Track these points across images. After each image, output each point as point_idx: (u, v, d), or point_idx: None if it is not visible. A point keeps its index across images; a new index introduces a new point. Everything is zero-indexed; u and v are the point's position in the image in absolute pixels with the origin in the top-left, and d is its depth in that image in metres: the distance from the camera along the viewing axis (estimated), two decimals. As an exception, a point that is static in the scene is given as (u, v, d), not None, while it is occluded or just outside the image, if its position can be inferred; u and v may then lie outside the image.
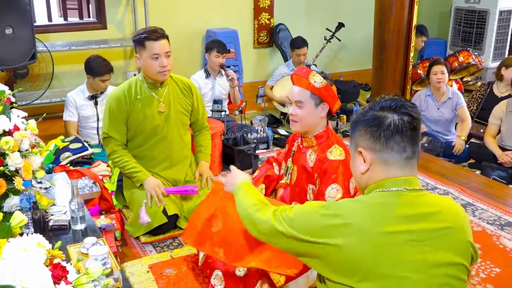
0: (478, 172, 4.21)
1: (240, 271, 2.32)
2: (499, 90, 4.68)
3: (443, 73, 4.41)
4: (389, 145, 1.38)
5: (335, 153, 2.37)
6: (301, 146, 2.55)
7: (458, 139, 4.38)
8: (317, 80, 2.37)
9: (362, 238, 1.31)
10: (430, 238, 1.34)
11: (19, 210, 2.02)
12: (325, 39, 5.71)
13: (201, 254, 2.58)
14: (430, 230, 1.35)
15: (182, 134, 3.15)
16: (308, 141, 2.49)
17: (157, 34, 2.88)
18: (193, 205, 3.00)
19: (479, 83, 5.05)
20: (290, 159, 2.63)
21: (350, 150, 1.52)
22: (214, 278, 2.42)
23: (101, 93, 4.02)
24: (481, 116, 4.75)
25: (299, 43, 5.39)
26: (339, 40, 5.90)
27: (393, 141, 1.38)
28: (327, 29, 5.76)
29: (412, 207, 1.36)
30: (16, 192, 2.08)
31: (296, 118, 2.42)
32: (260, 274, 2.26)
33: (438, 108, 4.52)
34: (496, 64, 4.82)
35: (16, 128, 2.12)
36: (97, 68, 3.99)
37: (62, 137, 3.94)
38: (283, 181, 2.68)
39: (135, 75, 5.27)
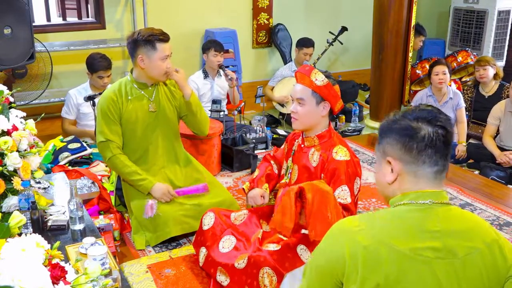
0: (477, 172, 4.21)
1: (240, 264, 2.33)
2: (484, 90, 4.70)
3: (445, 74, 4.42)
4: (421, 158, 1.33)
5: (341, 154, 2.37)
6: (302, 145, 2.55)
7: (460, 145, 4.39)
8: (319, 78, 2.38)
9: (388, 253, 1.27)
10: (453, 257, 1.28)
11: (17, 210, 2.02)
12: (328, 42, 5.72)
13: (201, 254, 2.58)
14: (454, 248, 1.28)
15: (172, 132, 3.15)
16: (310, 141, 2.50)
17: (166, 35, 2.92)
18: (211, 201, 3.01)
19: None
20: (290, 158, 2.63)
21: (376, 157, 1.46)
22: (219, 275, 2.42)
23: (100, 93, 4.02)
24: (475, 117, 4.76)
25: (307, 42, 5.41)
26: (341, 44, 5.91)
27: (425, 155, 1.33)
28: (330, 32, 5.77)
29: (439, 222, 1.31)
30: (15, 192, 2.08)
31: (297, 115, 2.44)
32: (260, 264, 2.26)
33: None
34: (497, 63, 4.82)
35: (15, 128, 2.12)
36: (94, 64, 4.02)
37: (60, 137, 3.94)
38: (283, 181, 2.68)
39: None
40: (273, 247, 2.34)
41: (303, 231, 2.33)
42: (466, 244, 1.30)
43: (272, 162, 2.84)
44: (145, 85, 3.02)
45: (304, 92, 2.40)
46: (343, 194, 2.32)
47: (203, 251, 2.58)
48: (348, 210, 2.32)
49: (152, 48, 2.88)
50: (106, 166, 3.58)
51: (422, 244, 1.27)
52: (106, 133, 2.94)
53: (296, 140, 2.62)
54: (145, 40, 2.88)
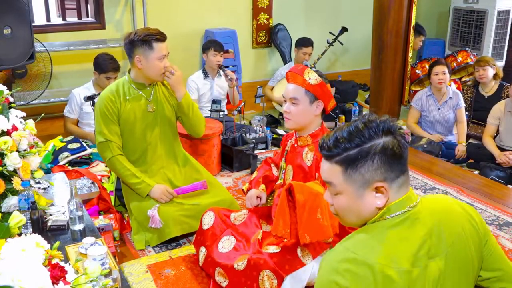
0: (476, 172, 4.21)
1: (239, 265, 2.33)
2: (484, 90, 4.70)
3: (444, 74, 4.42)
4: (402, 169, 1.30)
5: None
6: (295, 145, 2.55)
7: (459, 145, 4.40)
8: (312, 77, 2.39)
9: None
10: (442, 251, 1.31)
11: (17, 210, 2.02)
12: (328, 43, 5.71)
13: (201, 254, 2.58)
14: (441, 242, 1.31)
15: (171, 132, 3.15)
16: (303, 140, 2.50)
17: (163, 35, 2.92)
18: (211, 200, 3.01)
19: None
20: (284, 158, 2.64)
21: (347, 189, 1.31)
22: (217, 276, 2.43)
23: (99, 94, 4.02)
24: (475, 117, 4.77)
25: (306, 41, 5.42)
26: (342, 44, 5.91)
27: (402, 165, 1.30)
28: (330, 32, 5.77)
29: (421, 224, 1.31)
30: (15, 192, 2.08)
31: (290, 115, 2.43)
32: (260, 266, 2.27)
33: (439, 108, 4.53)
34: (496, 63, 4.83)
35: (15, 128, 2.12)
36: (103, 65, 4.04)
37: (60, 137, 3.95)
38: (278, 182, 2.69)
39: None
40: (272, 249, 2.34)
41: None
42: (448, 234, 1.32)
43: (272, 165, 2.84)
44: (143, 85, 3.02)
45: (297, 91, 2.40)
46: None
47: (202, 250, 2.58)
48: None
49: (149, 48, 2.87)
50: (106, 166, 3.58)
51: (418, 254, 1.27)
52: (106, 133, 2.93)
53: (289, 141, 2.63)
54: (141, 40, 2.87)
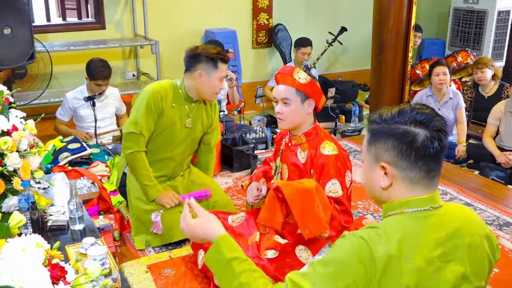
0: (476, 172, 4.21)
1: None
2: (484, 91, 4.70)
3: (445, 74, 4.42)
4: (418, 164, 1.29)
5: (328, 148, 2.40)
6: (289, 144, 2.56)
7: (459, 145, 4.40)
8: (301, 77, 2.40)
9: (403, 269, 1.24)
10: (459, 255, 1.31)
11: (17, 210, 2.02)
12: (327, 43, 5.72)
13: (200, 257, 2.58)
14: (458, 247, 1.31)
15: (192, 150, 3.14)
16: (297, 139, 2.51)
17: (228, 57, 2.93)
18: (209, 204, 3.00)
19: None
20: (279, 158, 2.65)
21: (366, 158, 1.39)
22: (216, 279, 2.42)
23: (99, 94, 4.02)
24: (475, 117, 4.77)
25: (305, 41, 5.42)
26: (341, 44, 5.91)
27: (422, 162, 1.29)
28: (329, 32, 5.77)
29: (441, 227, 1.31)
30: (15, 192, 2.08)
31: (283, 116, 2.45)
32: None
33: (439, 109, 4.52)
34: (495, 64, 4.83)
35: (15, 128, 2.12)
36: (94, 72, 3.99)
37: (60, 137, 3.95)
38: (273, 181, 2.69)
39: (133, 75, 5.30)
40: (271, 254, 2.34)
41: (299, 231, 2.34)
42: (466, 241, 1.32)
43: (271, 163, 2.85)
44: (191, 99, 2.96)
45: (288, 91, 2.42)
46: (334, 188, 2.35)
47: (201, 253, 2.58)
48: (340, 203, 2.35)
49: (214, 66, 2.83)
50: (106, 166, 3.57)
51: (433, 254, 1.27)
52: (142, 126, 2.82)
53: (283, 139, 2.64)
54: (208, 57, 2.82)
